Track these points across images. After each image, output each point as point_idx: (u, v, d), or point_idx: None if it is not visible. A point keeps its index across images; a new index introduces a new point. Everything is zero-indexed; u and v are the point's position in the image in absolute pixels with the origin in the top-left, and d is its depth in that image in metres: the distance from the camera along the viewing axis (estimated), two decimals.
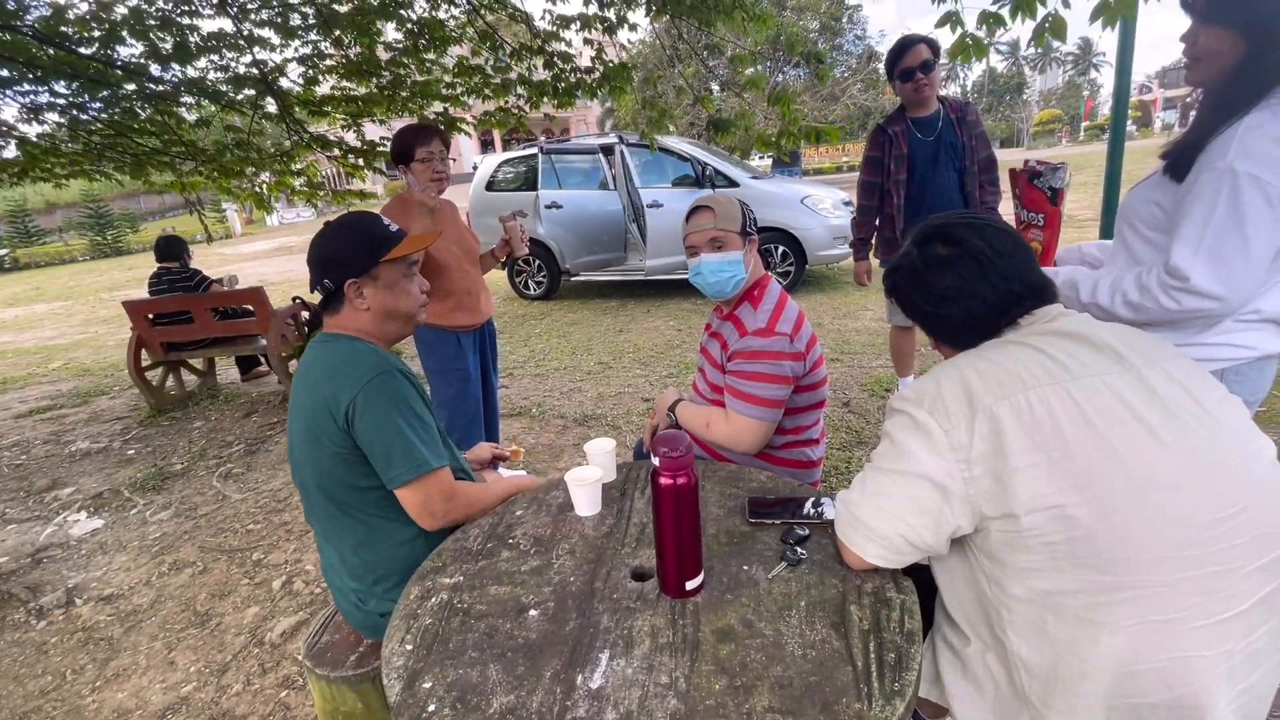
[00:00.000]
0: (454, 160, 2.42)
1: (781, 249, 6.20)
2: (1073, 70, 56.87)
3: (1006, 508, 0.80)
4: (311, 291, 1.27)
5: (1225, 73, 1.14)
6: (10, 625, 2.29)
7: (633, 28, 3.61)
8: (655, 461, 0.94)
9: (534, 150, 6.91)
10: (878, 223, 2.80)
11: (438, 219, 2.25)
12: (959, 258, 0.94)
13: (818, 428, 1.60)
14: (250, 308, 4.33)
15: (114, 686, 1.94)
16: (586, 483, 1.22)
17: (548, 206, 6.70)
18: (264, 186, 4.63)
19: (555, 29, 3.67)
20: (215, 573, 2.47)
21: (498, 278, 8.39)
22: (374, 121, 4.23)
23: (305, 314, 4.42)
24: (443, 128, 3.76)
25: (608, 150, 6.87)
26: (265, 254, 16.86)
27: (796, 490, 1.27)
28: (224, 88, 3.86)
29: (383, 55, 3.85)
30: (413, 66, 3.96)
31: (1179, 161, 1.17)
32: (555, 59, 3.73)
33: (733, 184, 6.12)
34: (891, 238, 2.72)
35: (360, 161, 4.20)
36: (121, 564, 2.60)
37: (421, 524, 1.25)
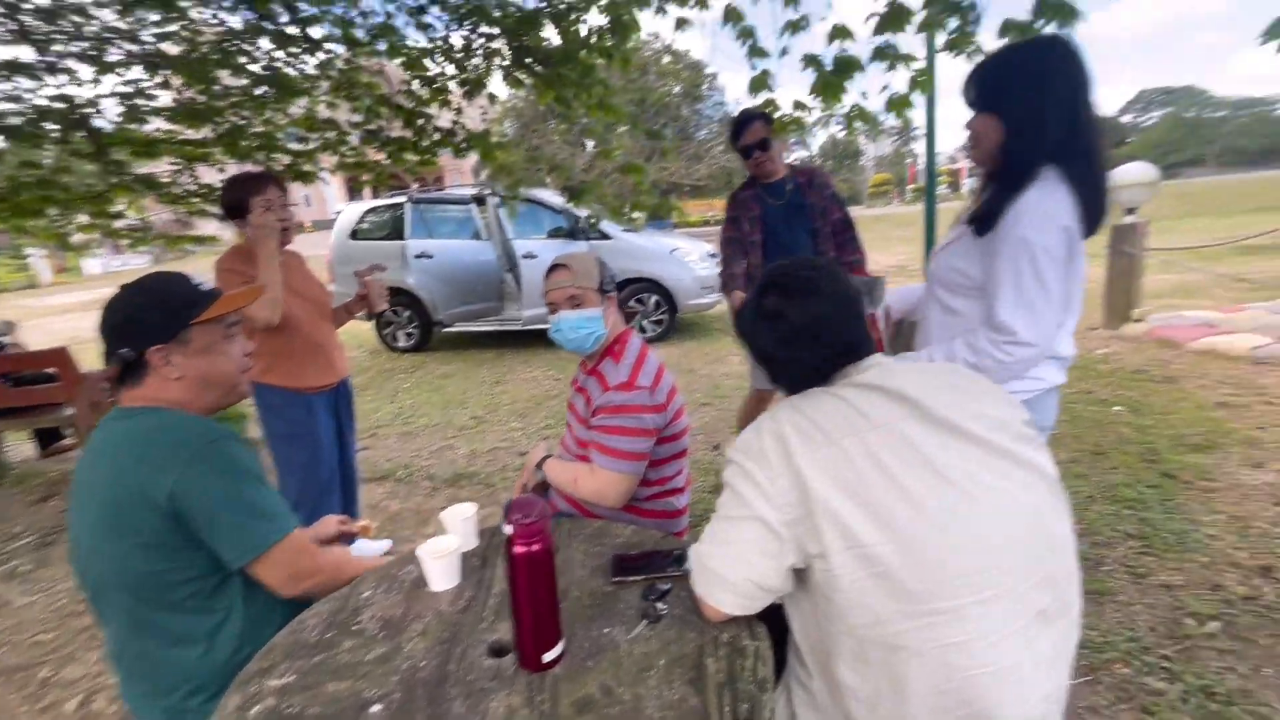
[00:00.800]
0: (295, 206, 2.26)
1: (655, 298, 6.43)
2: (898, 140, 65.78)
3: (821, 548, 0.86)
4: (107, 363, 1.12)
5: (995, 151, 1.37)
6: None
7: (491, 99, 3.67)
8: (507, 529, 0.91)
9: (401, 199, 6.71)
10: (740, 279, 2.81)
11: (283, 272, 2.09)
12: (783, 321, 1.00)
13: (682, 476, 1.64)
14: (52, 372, 3.72)
15: None
16: (442, 555, 1.15)
17: (417, 256, 6.48)
18: (72, 226, 4.05)
19: (409, 88, 3.64)
20: None
21: (364, 330, 7.91)
22: (213, 167, 3.88)
23: (118, 374, 3.88)
24: (289, 176, 3.55)
25: (480, 201, 6.83)
26: (80, 307, 14.68)
27: (661, 543, 1.28)
28: (17, 121, 3.38)
29: (220, 101, 3.58)
30: (250, 115, 3.71)
31: (982, 224, 1.37)
32: (415, 117, 3.67)
33: (605, 237, 6.30)
34: (729, 277, 2.78)
35: (195, 201, 3.82)
36: None
37: (285, 592, 1.13)
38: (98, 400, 3.68)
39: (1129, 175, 5.08)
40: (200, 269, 1.50)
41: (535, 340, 6.87)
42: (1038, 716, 0.86)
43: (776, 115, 2.71)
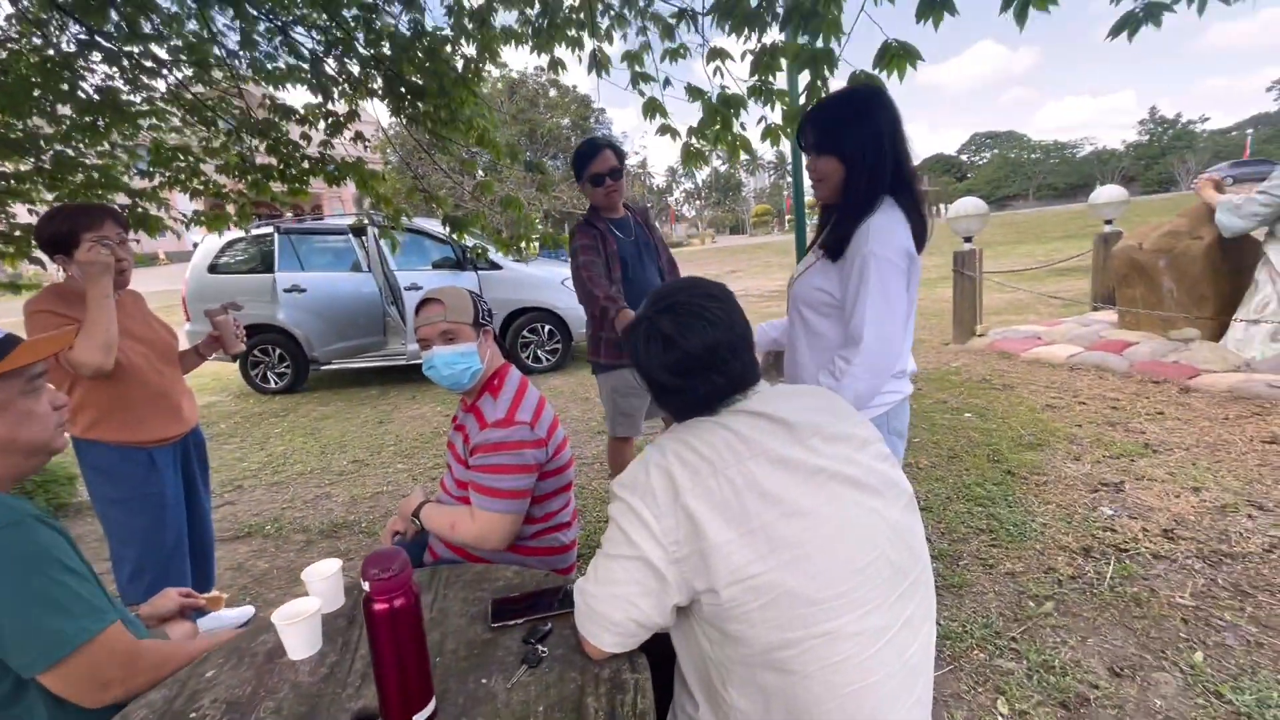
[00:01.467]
0: (136, 241, 2.04)
1: (549, 328, 6.39)
2: (775, 173, 70.70)
3: (710, 583, 0.87)
4: None
5: (838, 188, 1.50)
6: None
7: (359, 137, 3.54)
8: (365, 586, 0.85)
9: (269, 230, 6.24)
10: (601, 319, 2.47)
11: (118, 313, 1.86)
12: (675, 348, 0.97)
13: (568, 510, 1.62)
14: None
15: None
16: (299, 618, 1.06)
17: (287, 290, 6.04)
18: None
19: (273, 117, 3.42)
20: None
21: (228, 371, 7.21)
22: (29, 208, 3.39)
23: None
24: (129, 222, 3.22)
25: (359, 231, 6.50)
26: None
27: (544, 582, 1.26)
28: None
29: (47, 129, 3.16)
30: (82, 146, 3.30)
31: (835, 251, 1.49)
32: (280, 145, 3.45)
33: (496, 267, 6.20)
34: (613, 337, 2.47)
35: (6, 249, 3.32)
36: None
37: (93, 704, 0.97)
38: None
39: (965, 208, 5.77)
40: (5, 311, 1.29)
41: (422, 375, 6.57)
42: (916, 717, 0.92)
43: (684, 143, 2.80)
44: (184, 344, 2.20)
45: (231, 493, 3.74)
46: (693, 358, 0.97)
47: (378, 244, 6.26)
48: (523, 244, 4.04)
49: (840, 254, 1.48)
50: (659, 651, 1.04)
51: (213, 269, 6.25)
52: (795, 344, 1.65)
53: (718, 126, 2.71)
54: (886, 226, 1.43)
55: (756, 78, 2.46)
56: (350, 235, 6.56)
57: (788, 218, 55.27)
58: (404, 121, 3.62)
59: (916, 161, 1.52)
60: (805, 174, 1.59)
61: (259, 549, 2.99)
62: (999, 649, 1.89)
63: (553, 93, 24.74)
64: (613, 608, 0.93)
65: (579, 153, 2.53)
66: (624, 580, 0.92)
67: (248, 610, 2.44)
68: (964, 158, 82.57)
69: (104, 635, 0.97)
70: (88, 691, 0.97)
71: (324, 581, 1.17)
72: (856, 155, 1.45)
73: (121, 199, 3.40)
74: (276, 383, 6.40)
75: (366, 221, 5.62)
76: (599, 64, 2.87)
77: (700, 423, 1.00)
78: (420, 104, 3.27)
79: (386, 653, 0.87)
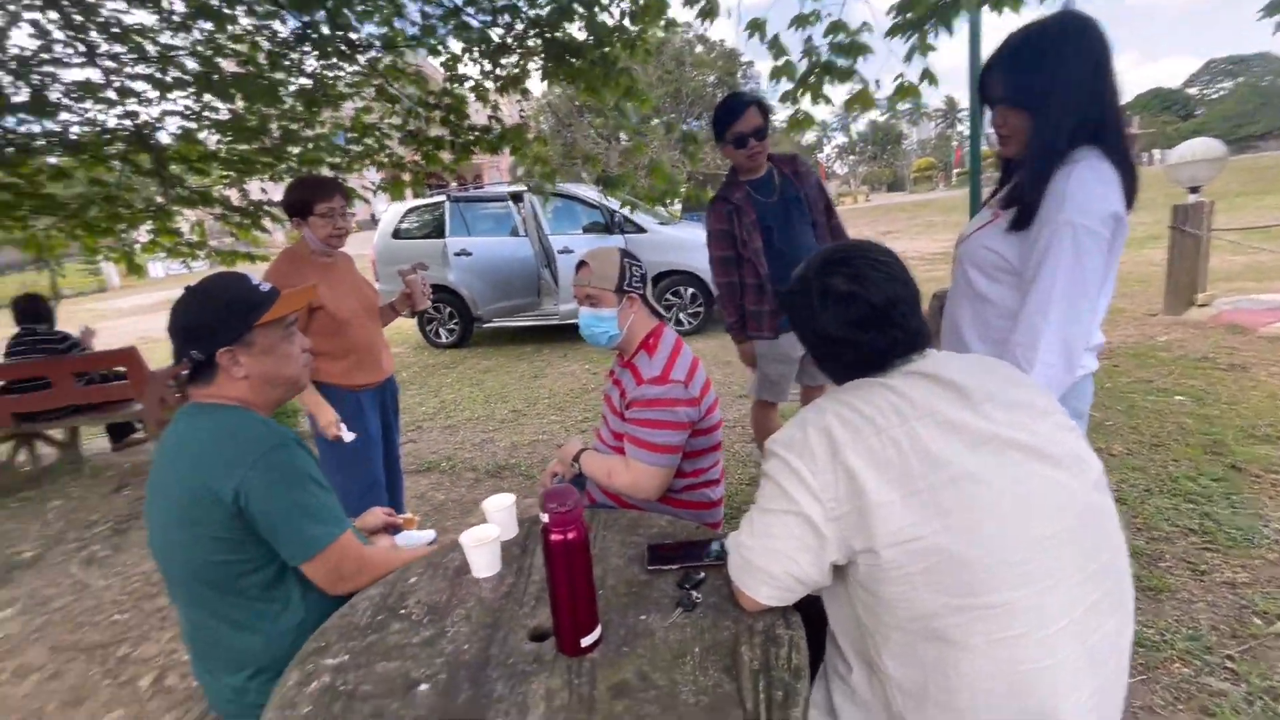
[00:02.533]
0: (354, 214, 2.35)
1: (691, 291, 6.42)
2: (942, 124, 63.59)
3: (869, 543, 0.85)
4: (176, 364, 1.19)
5: (1025, 143, 1.32)
6: None
7: (524, 94, 3.71)
8: (544, 518, 0.94)
9: (441, 198, 6.86)
10: (743, 298, 2.50)
11: (334, 273, 2.18)
12: (856, 301, 0.95)
13: (717, 469, 1.65)
14: (122, 370, 3.95)
15: None
16: (483, 543, 1.19)
17: (457, 254, 6.63)
18: (135, 246, 4.30)
19: (449, 85, 3.71)
20: (69, 676, 2.17)
21: (407, 326, 8.12)
22: (260, 181, 4.04)
23: (187, 373, 4.11)
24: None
25: (517, 198, 6.93)
26: (148, 309, 15.52)
27: (695, 533, 1.30)
28: (88, 140, 3.60)
29: (272, 111, 3.73)
30: (300, 125, 3.84)
31: (1021, 218, 1.32)
32: (450, 116, 3.75)
33: (641, 230, 6.31)
34: (760, 311, 2.45)
35: (244, 221, 3.99)
36: None
37: (333, 591, 1.19)
38: (164, 396, 3.90)
39: (1193, 151, 4.81)
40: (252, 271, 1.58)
41: (573, 334, 6.94)
42: (1090, 710, 0.84)
43: (793, 111, 2.65)
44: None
45: (413, 433, 4.26)
46: (875, 309, 0.94)
47: (534, 210, 6.63)
48: (667, 200, 4.06)
49: (1027, 221, 1.30)
50: (810, 613, 1.04)
51: (396, 234, 7.02)
52: (956, 309, 1.49)
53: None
54: (1089, 187, 1.21)
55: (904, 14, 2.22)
56: (510, 201, 7.02)
57: (956, 171, 49.68)
58: (561, 80, 3.75)
59: (1125, 100, 1.28)
60: (988, 127, 1.40)
61: (436, 483, 3.40)
62: (1208, 666, 1.64)
63: (699, 49, 24.20)
64: (770, 561, 0.94)
65: (720, 111, 2.34)
66: (781, 535, 0.93)
67: (431, 533, 2.79)
68: (1193, 91, 68.14)
69: (343, 539, 1.17)
70: (330, 582, 1.18)
71: (502, 512, 1.31)
72: (1051, 103, 1.25)
73: (326, 173, 3.94)
74: (447, 338, 7.11)
75: (526, 186, 5.96)
76: (707, 11, 2.72)
77: (863, 384, 0.97)
78: (576, 60, 3.36)
79: (561, 579, 0.95)
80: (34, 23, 3.14)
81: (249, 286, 1.22)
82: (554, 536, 0.94)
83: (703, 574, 1.13)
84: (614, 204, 6.71)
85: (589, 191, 6.84)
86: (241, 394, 1.20)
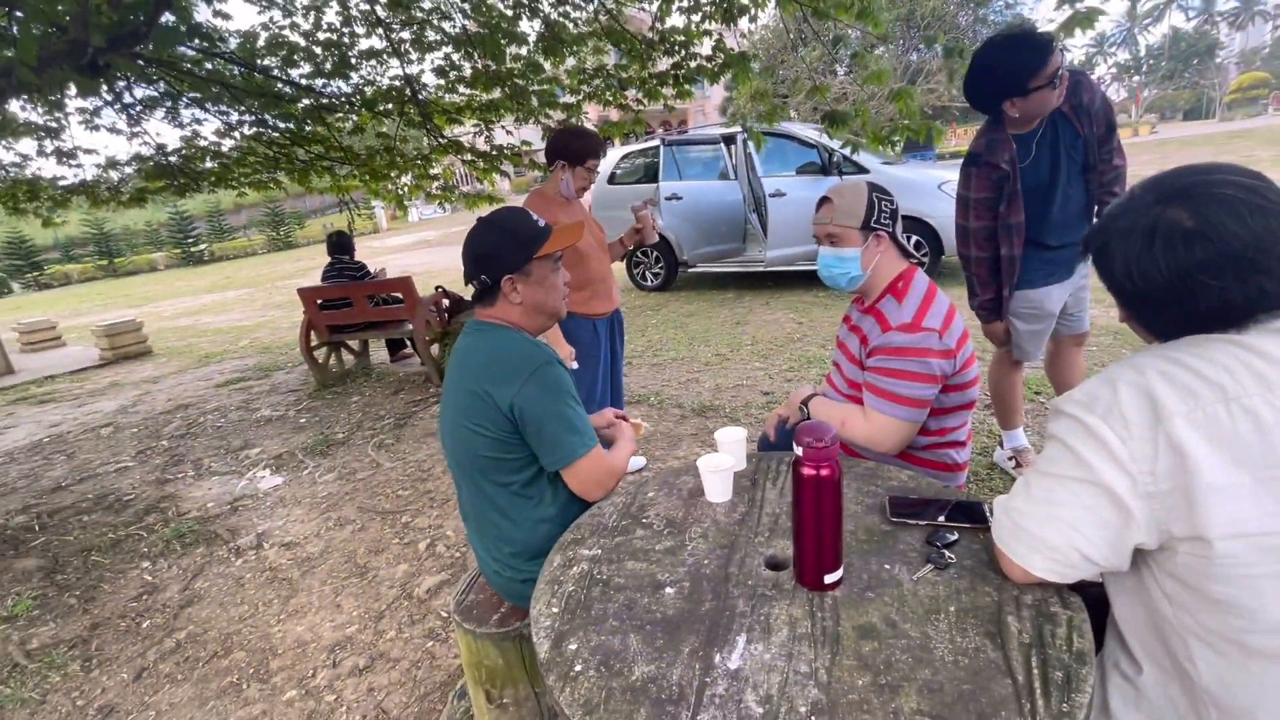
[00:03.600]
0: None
1: (914, 238, 5.82)
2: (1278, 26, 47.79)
3: (1197, 530, 0.71)
4: (467, 284, 1.38)
5: None
6: (217, 559, 2.71)
7: (754, 18, 3.53)
8: (798, 451, 0.93)
9: (654, 143, 6.99)
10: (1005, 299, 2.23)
11: (575, 211, 2.36)
12: (1204, 241, 0.76)
13: (964, 429, 1.50)
14: (399, 295, 4.78)
15: (294, 620, 2.24)
16: (720, 469, 1.24)
17: (668, 198, 6.76)
18: (405, 189, 5.11)
19: (681, 18, 3.69)
20: (371, 531, 2.77)
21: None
22: (501, 128, 4.49)
23: (446, 301, 4.83)
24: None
25: (729, 140, 6.80)
26: (407, 248, 18.48)
27: (941, 492, 1.21)
28: (375, 98, 4.29)
29: (510, 63, 4.07)
30: (538, 71, 4.14)
31: None
32: (676, 48, 3.74)
33: (862, 170, 5.83)
34: (995, 300, 2.21)
35: (485, 165, 4.48)
36: (297, 517, 2.99)
37: (589, 497, 1.34)
38: (428, 320, 4.65)
39: None
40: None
41: (776, 282, 6.77)
42: None
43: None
44: None
45: (626, 366, 4.55)
46: (1231, 253, 0.74)
47: (746, 151, 6.47)
48: (897, 138, 3.66)
49: None
50: (1086, 596, 0.91)
51: (611, 179, 7.36)
52: None
53: None
54: None
55: None
56: (722, 144, 6.92)
57: None
58: (774, 20, 3.53)
59: None
60: None
61: (645, 414, 3.62)
62: None
63: None
64: (1052, 530, 0.83)
65: (1017, 58, 1.88)
66: (1069, 503, 0.81)
67: (641, 460, 2.99)
68: None
69: (595, 450, 1.31)
70: (589, 487, 1.32)
71: (735, 444, 1.34)
72: None
73: (558, 115, 4.24)
74: (652, 281, 7.39)
75: (741, 126, 5.81)
76: None
77: (1204, 340, 0.77)
78: None
79: (808, 514, 0.95)
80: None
81: (531, 221, 1.36)
82: (806, 471, 0.93)
83: (956, 535, 1.05)
84: (833, 142, 6.26)
85: (804, 129, 6.45)
86: (513, 317, 1.37)
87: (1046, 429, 0.88)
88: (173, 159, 4.62)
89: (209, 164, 4.78)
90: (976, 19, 21.25)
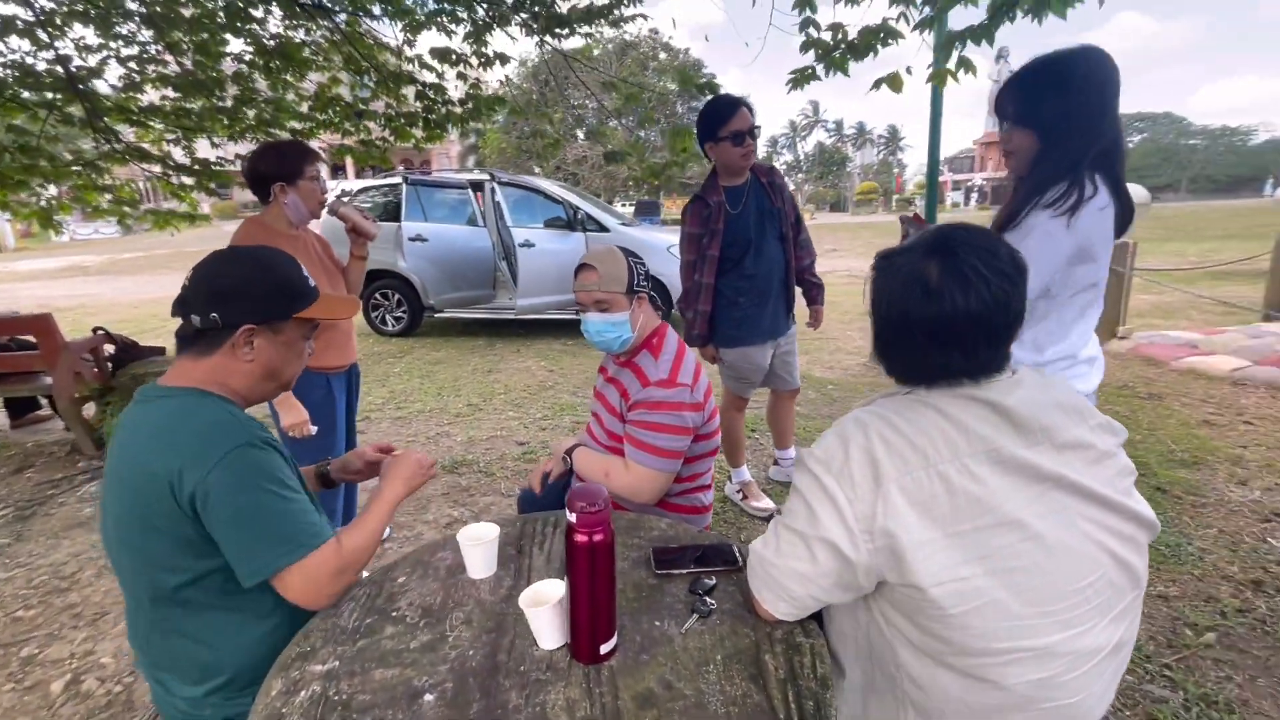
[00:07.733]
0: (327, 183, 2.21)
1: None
2: (885, 150, 66.52)
3: (906, 579, 0.83)
4: (185, 318, 1.04)
5: (1028, 163, 1.38)
6: None
7: (504, 60, 3.56)
8: (571, 517, 0.89)
9: (396, 180, 6.58)
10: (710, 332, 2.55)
11: (302, 249, 2.03)
12: (935, 306, 0.84)
13: (710, 474, 1.64)
14: (32, 339, 3.58)
15: None
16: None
17: (411, 239, 6.38)
18: (53, 202, 3.89)
19: (431, 61, 3.56)
20: None
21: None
22: (210, 141, 3.75)
23: (110, 348, 3.73)
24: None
25: (477, 186, 6.73)
26: (51, 274, 14.20)
27: (698, 537, 1.28)
28: (11, 82, 3.24)
29: (228, 69, 3.46)
30: (262, 86, 3.60)
31: (1006, 222, 1.39)
32: (427, 90, 3.60)
33: (603, 229, 6.26)
34: (703, 331, 2.52)
35: (188, 181, 3.69)
36: None
37: (311, 607, 1.05)
38: (79, 371, 3.55)
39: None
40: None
41: (526, 329, 6.81)
42: None
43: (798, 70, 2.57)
44: None
45: (362, 423, 4.04)
46: (948, 322, 0.84)
47: (494, 200, 6.47)
48: (669, 171, 4.11)
49: (1006, 229, 1.37)
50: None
51: None
52: None
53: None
54: (1051, 224, 1.29)
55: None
56: (469, 190, 6.81)
57: (895, 197, 52.04)
58: (521, 79, 3.69)
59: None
60: (1002, 144, 1.46)
61: None
62: (1149, 674, 1.75)
63: (662, 55, 24.34)
64: (793, 582, 0.92)
65: (713, 109, 2.35)
66: (806, 558, 0.89)
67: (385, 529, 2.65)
68: None
69: (326, 547, 1.04)
70: (312, 598, 1.04)
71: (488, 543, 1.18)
72: (1049, 125, 1.32)
73: (284, 137, 3.70)
74: (394, 325, 6.83)
75: (488, 176, 5.81)
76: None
77: (912, 404, 0.90)
78: (564, 31, 3.31)
79: (582, 583, 0.90)
80: None
81: (301, 274, 1.12)
82: (580, 538, 0.89)
83: (713, 579, 1.11)
84: (576, 200, 6.63)
85: (550, 185, 6.73)
86: (229, 379, 1.07)
87: (794, 478, 0.97)
88: None
89: None
90: (689, 108, 24.97)
